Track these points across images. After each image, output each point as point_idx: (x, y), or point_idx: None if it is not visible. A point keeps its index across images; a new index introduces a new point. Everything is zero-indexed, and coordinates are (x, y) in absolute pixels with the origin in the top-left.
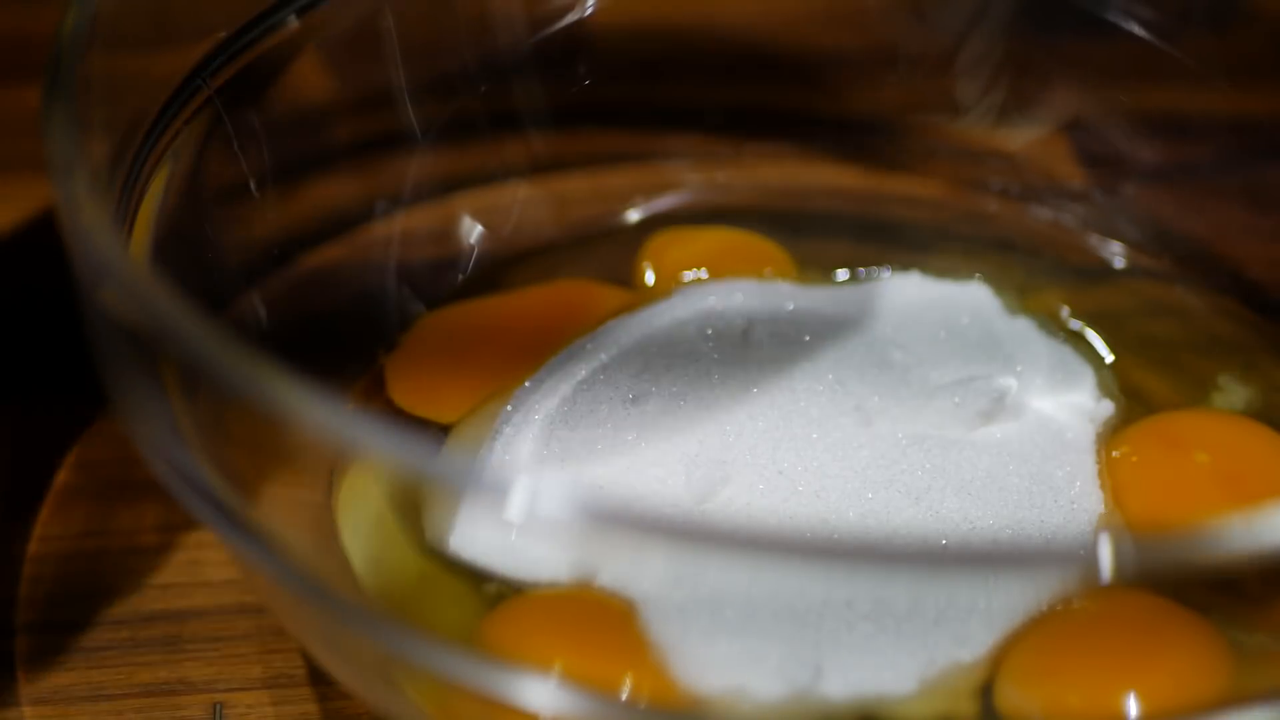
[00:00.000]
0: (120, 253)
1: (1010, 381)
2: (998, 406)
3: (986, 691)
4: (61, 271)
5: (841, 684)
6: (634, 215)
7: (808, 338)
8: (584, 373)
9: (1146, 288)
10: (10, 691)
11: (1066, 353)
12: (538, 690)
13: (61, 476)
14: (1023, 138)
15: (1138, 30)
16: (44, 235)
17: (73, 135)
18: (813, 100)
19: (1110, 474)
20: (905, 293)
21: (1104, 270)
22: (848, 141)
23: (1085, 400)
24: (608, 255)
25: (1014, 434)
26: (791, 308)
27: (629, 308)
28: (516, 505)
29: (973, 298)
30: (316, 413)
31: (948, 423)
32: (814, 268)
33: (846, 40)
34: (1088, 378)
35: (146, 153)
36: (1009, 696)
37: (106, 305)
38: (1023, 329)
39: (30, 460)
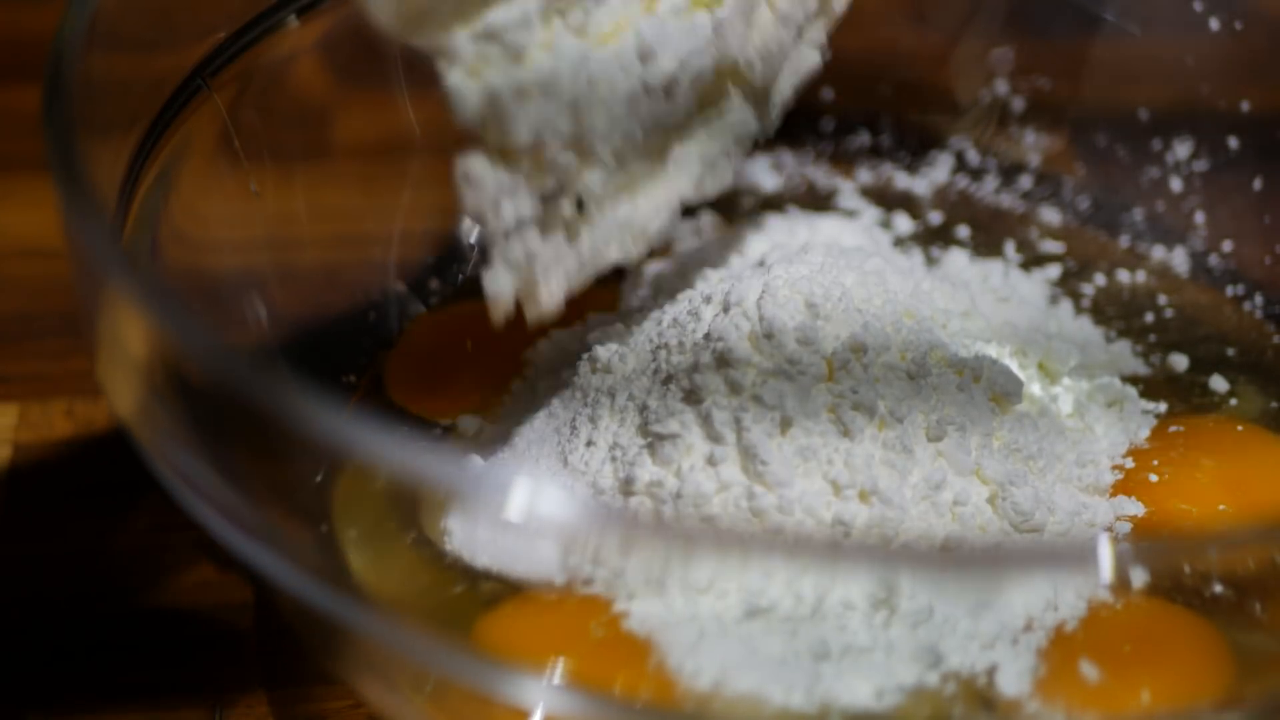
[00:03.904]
0: (120, 253)
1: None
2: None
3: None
4: (61, 271)
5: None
6: None
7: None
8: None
9: (1147, 286)
10: (11, 691)
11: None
12: (536, 690)
13: (62, 477)
14: (1023, 138)
15: (1137, 30)
16: (44, 235)
17: (73, 135)
18: (812, 100)
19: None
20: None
21: (1105, 269)
22: (847, 141)
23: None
24: None
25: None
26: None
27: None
28: (516, 505)
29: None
30: (316, 414)
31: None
32: None
33: (846, 40)
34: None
35: (146, 153)
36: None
37: (106, 305)
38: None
39: (31, 461)
